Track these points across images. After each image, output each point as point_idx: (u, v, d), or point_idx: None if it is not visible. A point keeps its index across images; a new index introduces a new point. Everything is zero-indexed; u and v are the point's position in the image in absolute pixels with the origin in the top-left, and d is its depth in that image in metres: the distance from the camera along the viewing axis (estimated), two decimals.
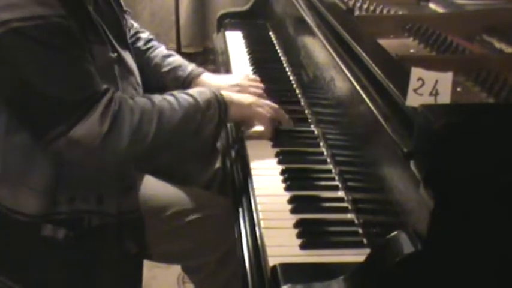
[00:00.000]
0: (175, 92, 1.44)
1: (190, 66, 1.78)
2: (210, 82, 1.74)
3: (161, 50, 1.81)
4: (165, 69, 1.76)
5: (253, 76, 1.86)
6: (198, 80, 1.75)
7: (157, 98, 1.40)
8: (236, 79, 1.76)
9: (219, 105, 1.45)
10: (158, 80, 1.74)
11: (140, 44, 1.79)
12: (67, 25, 1.25)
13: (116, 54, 1.41)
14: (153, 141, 1.34)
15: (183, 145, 1.43)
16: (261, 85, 1.74)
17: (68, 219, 1.38)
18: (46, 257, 1.40)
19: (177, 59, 1.80)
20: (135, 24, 1.83)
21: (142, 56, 1.75)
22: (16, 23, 1.21)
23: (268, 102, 1.58)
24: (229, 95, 1.51)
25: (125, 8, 1.62)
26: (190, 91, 1.46)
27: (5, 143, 1.34)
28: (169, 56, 1.80)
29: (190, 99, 1.42)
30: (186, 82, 1.74)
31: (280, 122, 1.57)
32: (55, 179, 1.35)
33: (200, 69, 1.79)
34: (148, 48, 1.79)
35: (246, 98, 1.54)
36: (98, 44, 1.35)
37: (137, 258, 1.51)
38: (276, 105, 1.58)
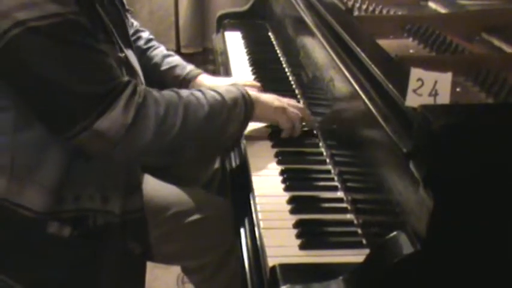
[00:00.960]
0: (203, 88, 1.45)
1: (188, 67, 1.79)
2: (206, 83, 1.74)
3: (161, 49, 1.82)
4: (163, 68, 1.77)
5: (252, 80, 1.86)
6: (196, 80, 1.75)
7: (184, 92, 1.40)
8: (232, 80, 1.77)
9: (245, 104, 1.45)
10: (157, 78, 1.75)
11: (141, 43, 1.79)
12: (82, 21, 1.26)
13: (123, 54, 1.41)
14: (178, 134, 1.34)
15: (207, 142, 1.43)
16: (258, 84, 1.75)
17: (74, 217, 1.38)
18: (50, 255, 1.40)
19: (176, 59, 1.81)
20: (135, 23, 1.83)
21: (142, 55, 1.76)
22: (32, 22, 1.21)
23: (294, 103, 1.59)
24: (256, 95, 1.51)
25: (127, 7, 1.63)
26: (218, 88, 1.47)
27: (13, 139, 1.34)
28: (168, 56, 1.81)
29: (217, 96, 1.42)
30: (185, 81, 1.75)
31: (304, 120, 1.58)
32: (62, 176, 1.35)
33: (198, 70, 1.79)
34: (149, 48, 1.80)
35: (273, 101, 1.54)
36: (108, 43, 1.35)
37: (140, 259, 1.51)
38: (301, 106, 1.58)
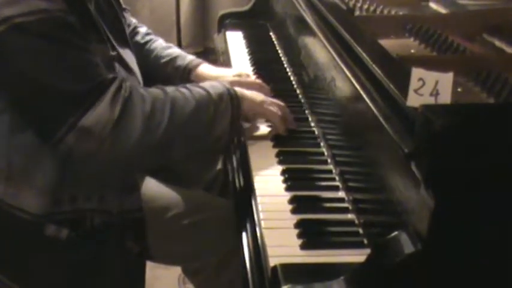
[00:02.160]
0: (188, 85, 1.44)
1: (189, 57, 1.80)
2: (208, 72, 1.75)
3: (160, 42, 1.83)
4: (164, 60, 1.77)
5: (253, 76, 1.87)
6: (197, 70, 1.76)
7: (170, 88, 1.40)
8: (234, 71, 1.79)
9: (231, 99, 1.44)
10: (158, 71, 1.75)
11: (138, 38, 1.80)
12: (69, 19, 1.26)
13: (115, 52, 1.41)
14: (166, 131, 1.33)
15: (197, 140, 1.42)
16: (258, 80, 1.75)
17: (71, 218, 1.38)
18: (48, 256, 1.40)
19: (175, 50, 1.82)
20: (134, 20, 1.84)
21: (141, 49, 1.76)
22: (18, 18, 1.21)
23: (275, 100, 1.58)
24: (242, 90, 1.50)
25: (124, 6, 1.63)
26: (203, 84, 1.46)
27: (9, 142, 1.34)
28: (168, 47, 1.82)
29: (203, 92, 1.42)
30: (186, 72, 1.75)
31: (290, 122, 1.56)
32: (58, 177, 1.35)
33: (199, 60, 1.80)
34: (147, 42, 1.81)
35: (258, 95, 1.53)
36: (98, 42, 1.35)
37: (139, 259, 1.51)
38: (282, 104, 1.57)
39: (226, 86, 1.47)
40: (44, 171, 1.34)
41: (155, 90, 1.38)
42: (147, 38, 1.81)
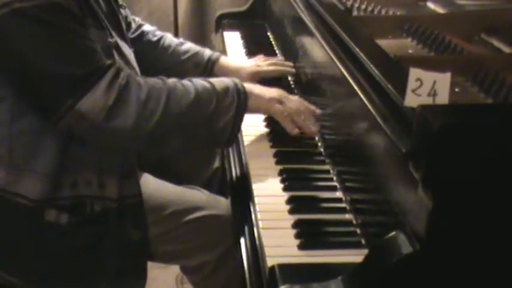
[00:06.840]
0: (193, 78, 1.45)
1: (206, 51, 1.83)
2: (230, 64, 1.81)
3: (171, 37, 1.85)
4: (183, 56, 1.80)
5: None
6: (219, 63, 1.79)
7: (170, 79, 1.41)
8: (252, 61, 1.85)
9: (238, 94, 1.44)
10: (176, 67, 1.77)
11: (150, 35, 1.82)
12: (67, 4, 1.28)
13: (113, 39, 1.42)
14: (161, 119, 1.34)
15: (196, 130, 1.41)
16: (277, 67, 1.81)
17: (71, 204, 1.39)
18: (48, 243, 1.40)
19: (192, 46, 1.85)
20: (137, 19, 1.86)
21: (155, 47, 1.79)
22: (17, 3, 1.23)
23: (294, 98, 1.56)
24: (251, 86, 1.50)
25: (120, 2, 1.64)
26: (209, 78, 1.47)
27: (10, 128, 1.36)
28: (182, 44, 1.84)
29: (206, 84, 1.42)
30: (208, 67, 1.78)
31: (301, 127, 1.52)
32: (59, 163, 1.37)
33: (217, 53, 1.83)
34: (160, 39, 1.83)
35: (269, 93, 1.51)
36: (96, 28, 1.37)
37: (140, 247, 1.50)
38: (303, 107, 1.53)
39: (235, 81, 1.46)
40: (44, 156, 1.36)
41: (153, 80, 1.39)
42: (158, 34, 1.84)
